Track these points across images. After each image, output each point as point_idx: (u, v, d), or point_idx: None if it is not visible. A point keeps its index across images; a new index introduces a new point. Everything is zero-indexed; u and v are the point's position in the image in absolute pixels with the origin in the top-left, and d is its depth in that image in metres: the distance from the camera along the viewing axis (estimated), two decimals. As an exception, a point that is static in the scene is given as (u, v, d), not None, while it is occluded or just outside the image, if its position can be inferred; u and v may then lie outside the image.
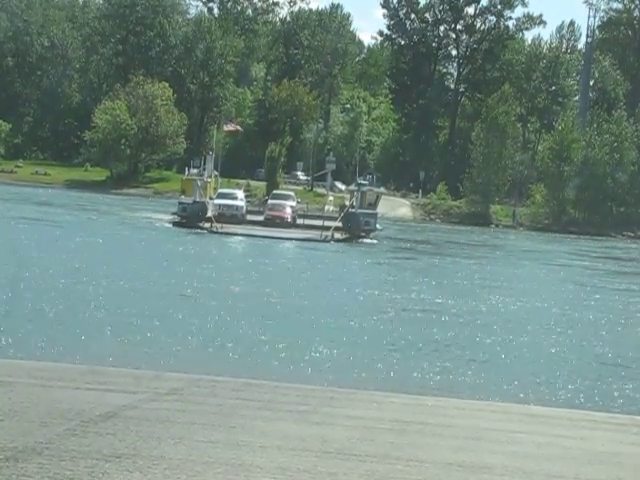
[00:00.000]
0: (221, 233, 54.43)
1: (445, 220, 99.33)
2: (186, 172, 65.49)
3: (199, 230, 55.76)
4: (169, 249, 44.51)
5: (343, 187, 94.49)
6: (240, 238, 54.00)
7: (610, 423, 12.02)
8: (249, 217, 62.66)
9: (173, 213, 61.44)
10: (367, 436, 9.24)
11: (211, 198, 61.23)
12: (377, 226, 60.61)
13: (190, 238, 52.34)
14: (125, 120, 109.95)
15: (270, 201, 66.29)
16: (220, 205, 60.73)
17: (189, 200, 58.76)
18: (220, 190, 65.23)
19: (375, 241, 58.73)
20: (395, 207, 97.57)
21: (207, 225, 56.32)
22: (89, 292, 25.98)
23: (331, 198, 77.55)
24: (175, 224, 59.17)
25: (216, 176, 69.89)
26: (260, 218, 62.25)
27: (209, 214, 57.95)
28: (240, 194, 65.83)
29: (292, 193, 72.65)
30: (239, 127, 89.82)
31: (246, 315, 23.99)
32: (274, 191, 77.84)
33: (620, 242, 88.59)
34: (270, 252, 48.62)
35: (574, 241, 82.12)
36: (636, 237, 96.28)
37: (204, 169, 64.29)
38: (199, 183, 59.48)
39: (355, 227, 58.70)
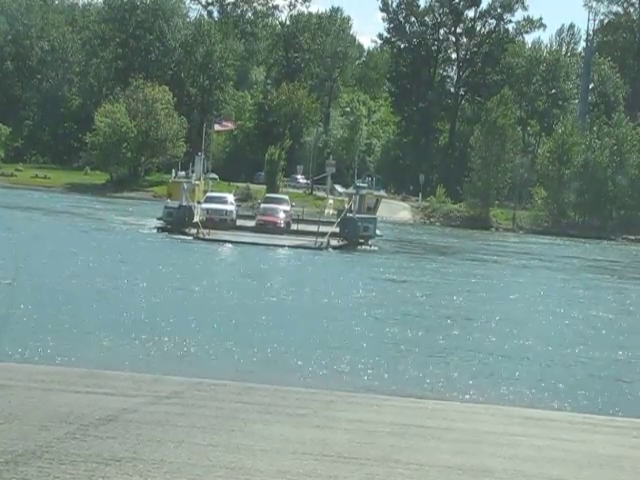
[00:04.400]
0: (207, 239, 50.73)
1: (445, 223, 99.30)
2: (173, 174, 62.05)
3: (184, 236, 52.10)
4: (134, 255, 41.58)
5: (342, 190, 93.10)
6: (227, 245, 50.33)
7: (610, 426, 12.02)
8: (241, 222, 58.85)
9: (159, 218, 57.48)
10: (367, 439, 9.24)
11: (199, 202, 57.88)
12: (377, 232, 56.87)
13: (171, 244, 49.60)
14: (125, 123, 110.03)
15: (262, 205, 62.45)
16: (208, 209, 57.06)
17: (175, 204, 55.31)
18: (209, 194, 61.41)
19: (374, 248, 55.09)
20: (395, 210, 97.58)
21: (193, 231, 52.70)
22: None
23: (331, 201, 77.09)
24: (160, 229, 55.82)
25: (214, 179, 68.15)
26: (252, 223, 58.57)
27: (196, 219, 54.29)
28: (230, 198, 62.14)
29: (286, 197, 68.84)
30: (231, 124, 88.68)
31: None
32: (267, 194, 74.67)
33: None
34: (255, 260, 44.85)
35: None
36: (636, 240, 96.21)
37: (192, 171, 61.11)
38: (185, 186, 55.89)
39: (353, 233, 54.81)
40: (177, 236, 52.14)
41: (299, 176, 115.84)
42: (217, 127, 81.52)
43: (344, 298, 30.58)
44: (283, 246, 51.18)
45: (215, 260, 45.03)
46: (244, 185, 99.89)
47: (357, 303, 29.61)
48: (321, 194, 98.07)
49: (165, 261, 39.61)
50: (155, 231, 55.75)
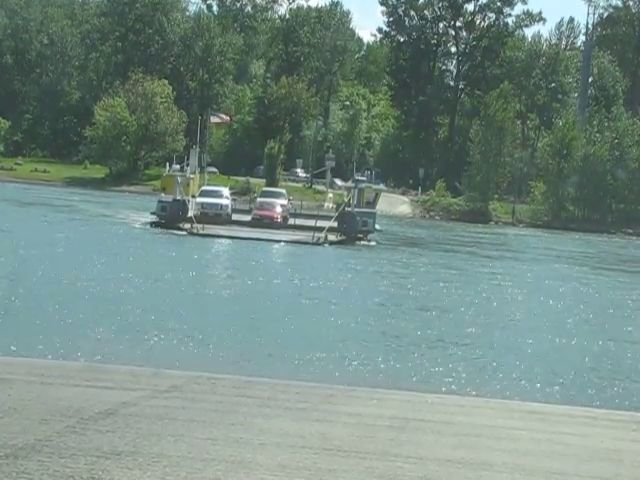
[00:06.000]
0: (201, 235, 49.24)
1: (445, 217, 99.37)
2: (167, 168, 60.09)
3: (178, 231, 50.43)
4: (122, 250, 39.72)
5: (341, 184, 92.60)
6: (221, 240, 48.72)
7: (610, 420, 12.02)
8: (237, 217, 57.14)
9: (152, 212, 55.66)
10: (367, 433, 9.24)
11: (194, 196, 55.89)
12: (376, 226, 55.02)
13: (162, 240, 47.88)
14: (125, 117, 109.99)
15: (259, 199, 60.41)
16: (203, 204, 55.28)
17: (169, 198, 53.60)
18: (204, 187, 59.76)
19: (373, 243, 53.86)
20: (395, 204, 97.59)
21: (187, 226, 51.17)
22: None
23: (331, 195, 76.97)
24: (153, 224, 54.00)
25: (213, 173, 66.92)
26: (248, 218, 56.91)
27: (190, 214, 52.72)
28: (226, 192, 60.22)
29: (283, 190, 67.16)
30: (227, 117, 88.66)
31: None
32: (263, 188, 73.27)
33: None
34: (247, 255, 43.07)
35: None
36: (635, 234, 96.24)
37: (187, 164, 59.64)
38: (179, 180, 54.15)
39: (351, 228, 53.10)
40: (171, 231, 50.63)
41: (299, 170, 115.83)
42: (213, 120, 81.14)
43: (332, 294, 29.89)
44: (279, 241, 49.61)
45: (206, 256, 43.07)
46: (244, 179, 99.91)
47: (345, 299, 29.02)
48: (321, 188, 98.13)
49: (154, 256, 38.92)
50: (148, 226, 54.34)
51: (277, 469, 7.54)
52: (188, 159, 61.31)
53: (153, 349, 18.24)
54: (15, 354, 15.62)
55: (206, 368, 15.09)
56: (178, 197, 53.30)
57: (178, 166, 59.76)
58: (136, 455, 7.59)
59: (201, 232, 49.83)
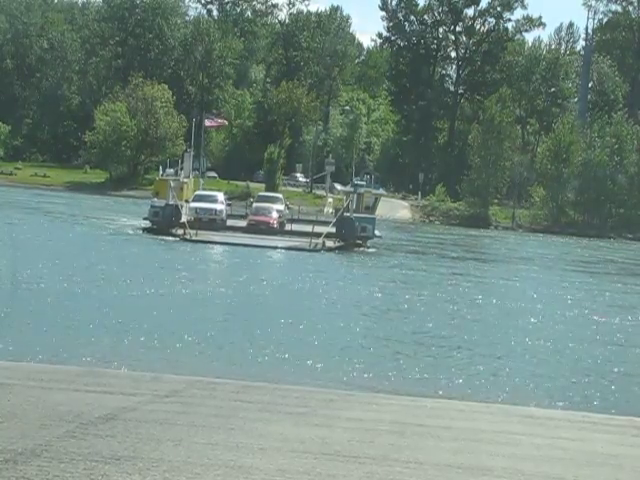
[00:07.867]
0: (194, 241, 47.75)
1: (444, 222, 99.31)
2: (160, 172, 58.38)
3: (170, 237, 49.29)
4: (109, 257, 38.89)
5: (340, 188, 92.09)
6: (214, 246, 47.47)
7: (609, 425, 12.02)
8: (232, 222, 56.03)
9: (145, 218, 54.09)
10: (366, 438, 9.24)
11: (187, 201, 54.83)
12: (376, 232, 53.33)
13: (153, 246, 46.74)
14: (125, 122, 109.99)
15: (255, 204, 59.39)
16: (197, 209, 54.16)
17: (161, 203, 52.35)
18: (198, 192, 58.77)
19: (372, 249, 52.71)
20: (395, 209, 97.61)
21: (180, 231, 49.87)
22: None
23: (330, 200, 76.95)
24: (145, 230, 52.78)
25: (213, 177, 66.29)
26: (244, 224, 55.74)
27: (183, 219, 51.40)
28: (220, 196, 58.77)
29: (280, 195, 66.09)
30: (223, 121, 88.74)
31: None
32: (259, 193, 72.31)
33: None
34: (240, 262, 41.94)
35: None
36: (635, 239, 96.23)
37: (181, 168, 58.72)
38: (172, 184, 52.87)
39: (350, 233, 51.67)
40: (163, 237, 49.47)
41: (298, 175, 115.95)
42: (209, 123, 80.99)
43: (327, 301, 29.56)
44: (275, 247, 48.36)
45: (197, 262, 41.50)
46: (243, 184, 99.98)
47: (341, 306, 28.81)
48: (320, 193, 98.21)
49: (142, 262, 38.47)
50: (140, 231, 53.15)
51: (277, 474, 7.55)
52: (182, 162, 60.49)
53: (152, 354, 18.25)
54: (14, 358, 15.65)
55: (205, 373, 15.10)
56: (171, 202, 52.09)
57: (172, 170, 58.47)
58: (136, 460, 7.59)
59: (194, 238, 48.40)
